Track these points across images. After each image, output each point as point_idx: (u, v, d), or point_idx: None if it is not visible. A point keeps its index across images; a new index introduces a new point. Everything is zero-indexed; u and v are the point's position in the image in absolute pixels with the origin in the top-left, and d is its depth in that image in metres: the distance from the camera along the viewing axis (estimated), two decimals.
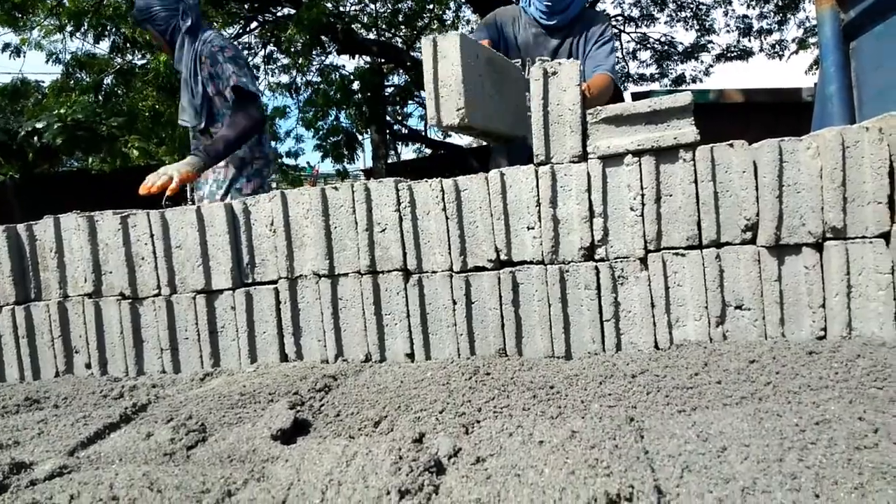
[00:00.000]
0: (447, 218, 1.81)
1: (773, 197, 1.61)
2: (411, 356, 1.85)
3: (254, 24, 11.80)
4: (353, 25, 11.03)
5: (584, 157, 1.71)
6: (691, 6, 12.97)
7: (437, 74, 1.84)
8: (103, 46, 10.06)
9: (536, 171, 1.74)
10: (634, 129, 1.69)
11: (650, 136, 1.66)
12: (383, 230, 1.86)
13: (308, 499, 0.83)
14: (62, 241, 2.07)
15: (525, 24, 2.72)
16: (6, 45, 10.18)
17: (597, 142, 1.70)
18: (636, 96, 11.13)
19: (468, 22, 14.75)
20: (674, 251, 1.68)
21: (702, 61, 13.71)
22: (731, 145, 1.65)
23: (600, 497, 0.74)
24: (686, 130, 1.65)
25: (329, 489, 0.84)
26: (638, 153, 1.67)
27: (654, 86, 14.08)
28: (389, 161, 13.46)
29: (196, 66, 2.77)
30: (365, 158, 20.55)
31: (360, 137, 14.13)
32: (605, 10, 2.94)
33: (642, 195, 1.68)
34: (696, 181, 1.66)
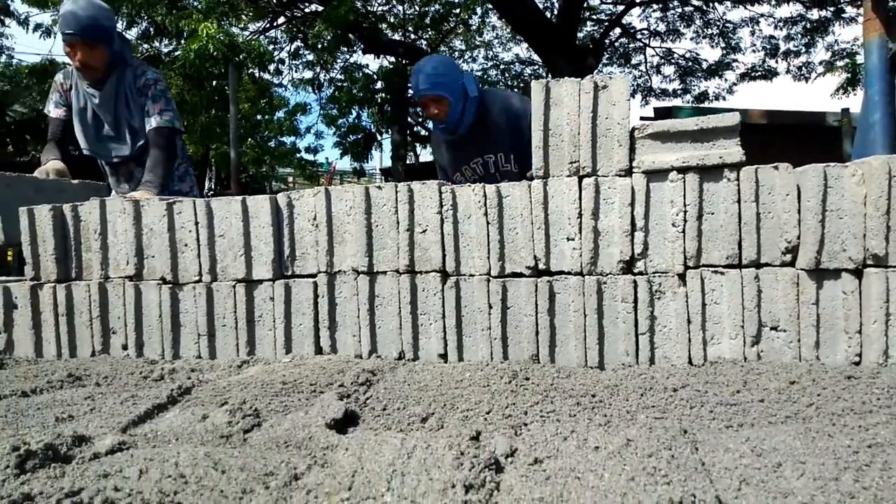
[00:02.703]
0: (488, 223, 1.84)
1: (816, 221, 1.63)
2: (444, 357, 1.88)
3: (281, 20, 11.91)
4: (380, 25, 11.11)
5: (629, 171, 1.74)
6: (718, 24, 12.98)
7: (547, 122, 1.79)
8: (131, 32, 10.18)
9: (580, 183, 1.77)
10: (680, 145, 1.71)
11: (696, 154, 1.69)
12: (424, 231, 1.89)
13: (374, 487, 0.86)
14: (107, 224, 2.12)
15: (443, 145, 2.92)
16: (38, 26, 10.32)
17: (642, 156, 1.73)
18: (658, 112, 11.13)
19: (493, 28, 14.82)
20: (713, 269, 1.70)
21: (726, 79, 13.70)
22: (776, 167, 1.68)
23: None
24: (732, 150, 1.67)
25: (394, 479, 0.87)
26: (683, 170, 1.70)
27: (677, 101, 14.08)
28: (407, 162, 13.53)
29: (129, 95, 2.74)
30: (382, 158, 20.66)
31: (379, 137, 14.24)
32: (503, 95, 2.91)
33: (685, 212, 1.70)
34: (739, 201, 1.68)
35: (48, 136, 2.93)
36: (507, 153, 2.74)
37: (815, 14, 11.68)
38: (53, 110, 2.91)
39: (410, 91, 3.32)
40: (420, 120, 13.49)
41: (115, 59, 2.71)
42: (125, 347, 2.10)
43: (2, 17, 11.15)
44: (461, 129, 2.72)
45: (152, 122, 2.71)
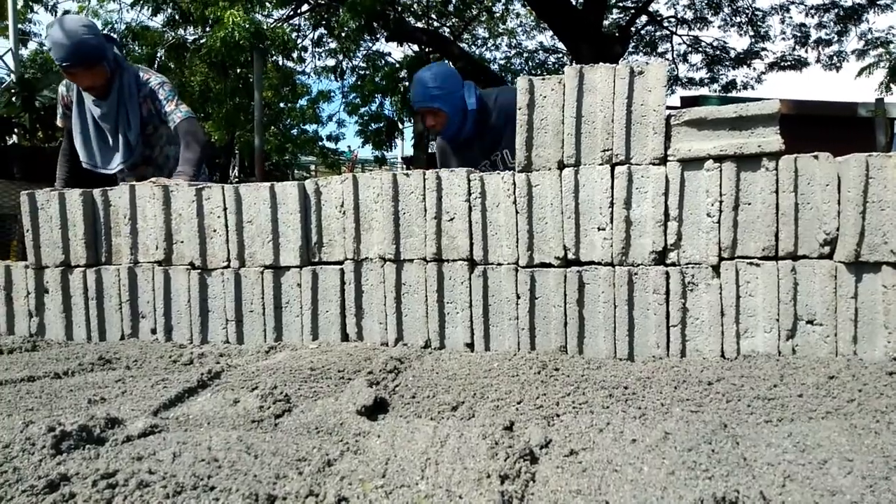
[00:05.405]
0: (517, 212, 1.82)
1: (856, 213, 1.58)
2: (471, 346, 1.87)
3: (305, 7, 11.89)
4: (403, 14, 11.06)
5: (663, 159, 1.70)
6: (747, 11, 12.69)
7: (579, 108, 1.77)
8: (157, 19, 10.27)
9: (612, 172, 1.73)
10: (717, 133, 1.67)
11: (733, 143, 1.65)
12: (451, 219, 1.87)
13: (408, 475, 0.85)
14: (136, 209, 2.13)
15: (448, 150, 2.83)
16: (66, 12, 10.43)
17: (678, 144, 1.69)
18: (685, 101, 10.95)
19: (518, 16, 14.67)
20: (748, 260, 1.66)
21: (754, 68, 13.42)
22: (816, 157, 1.63)
23: (707, 499, 0.74)
24: (771, 139, 1.63)
25: (428, 467, 0.86)
26: (719, 158, 1.66)
27: (704, 90, 13.84)
28: (430, 151, 13.49)
29: (129, 102, 2.70)
30: (403, 147, 20.65)
31: (400, 126, 14.22)
32: (500, 91, 2.80)
33: (720, 201, 1.67)
34: (777, 191, 1.64)
35: (61, 148, 2.99)
36: (512, 148, 2.72)
37: (848, 1, 11.38)
38: (61, 121, 2.95)
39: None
40: None
41: (113, 69, 2.68)
42: (154, 331, 2.12)
43: (30, 4, 11.30)
44: (462, 136, 2.70)
45: (176, 118, 2.69)
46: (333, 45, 12.68)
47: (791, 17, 12.65)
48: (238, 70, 10.65)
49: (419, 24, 11.94)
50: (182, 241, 2.08)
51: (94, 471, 0.92)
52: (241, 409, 1.21)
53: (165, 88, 2.76)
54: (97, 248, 2.20)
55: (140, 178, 2.87)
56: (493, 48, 15.86)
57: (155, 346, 2.03)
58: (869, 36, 11.78)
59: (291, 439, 1.03)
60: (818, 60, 12.68)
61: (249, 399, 1.24)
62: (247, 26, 8.10)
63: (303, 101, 16.09)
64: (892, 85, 10.95)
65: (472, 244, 1.86)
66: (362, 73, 12.72)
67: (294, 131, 17.44)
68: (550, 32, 12.51)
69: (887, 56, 11.25)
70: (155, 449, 0.99)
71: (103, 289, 2.17)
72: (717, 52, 13.47)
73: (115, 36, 2.81)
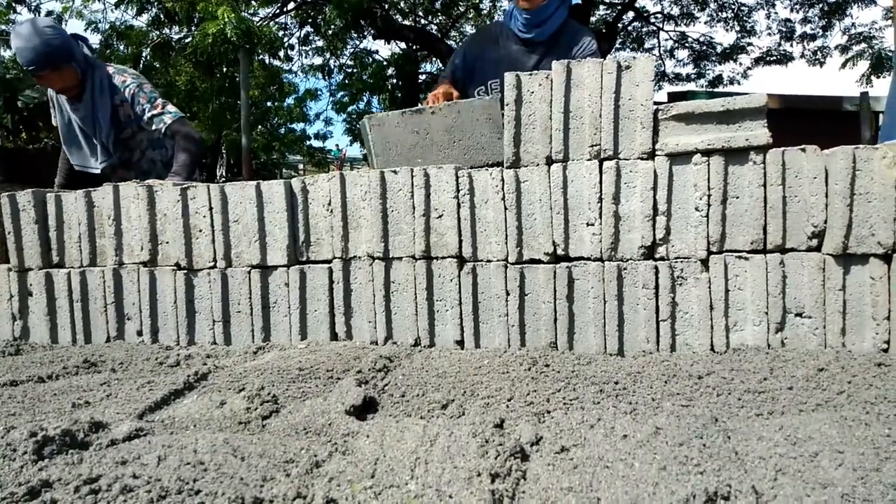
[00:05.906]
0: (506, 208, 1.81)
1: (844, 205, 1.59)
2: (461, 343, 1.86)
3: (291, 5, 11.80)
4: (390, 11, 11.01)
5: (651, 154, 1.70)
6: (733, 7, 12.75)
7: (567, 103, 1.75)
8: (142, 19, 10.16)
9: (601, 167, 1.73)
10: (705, 127, 1.67)
11: (721, 136, 1.64)
12: (440, 216, 1.86)
13: (397, 475, 0.84)
14: (120, 209, 2.10)
15: (506, 39, 2.67)
16: (49, 13, 10.31)
17: (665, 139, 1.69)
18: (672, 96, 11.00)
19: (504, 12, 14.65)
20: (737, 254, 1.66)
21: (740, 63, 13.48)
22: (804, 150, 1.63)
23: (699, 494, 0.74)
24: (758, 132, 1.63)
25: (417, 467, 0.85)
26: (707, 153, 1.65)
27: (691, 86, 13.89)
28: None
29: (101, 103, 2.64)
30: None
31: None
32: (584, 26, 2.71)
33: (709, 195, 1.66)
34: (764, 184, 1.64)
35: (62, 150, 2.96)
36: None
37: None
38: (55, 121, 2.90)
39: None
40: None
41: (84, 68, 2.62)
42: (140, 333, 2.10)
43: (13, 4, 11.15)
44: (541, 31, 2.52)
45: (167, 119, 2.63)
46: (320, 43, 12.62)
47: (776, 13, 12.70)
48: (224, 69, 10.57)
49: (406, 22, 11.89)
50: (167, 242, 2.05)
51: (76, 476, 0.90)
52: (227, 410, 1.19)
53: (145, 90, 2.68)
54: (81, 250, 2.17)
55: (121, 181, 2.84)
56: None
57: (141, 348, 2.00)
58: (852, 31, 11.85)
59: (279, 441, 1.02)
60: (803, 55, 12.76)
61: (236, 400, 1.22)
62: (236, 23, 8.02)
63: (290, 100, 16.00)
64: (872, 77, 11.01)
65: (460, 241, 1.85)
66: (349, 70, 12.66)
67: (281, 130, 17.35)
68: None
69: (870, 50, 11.31)
70: (140, 453, 0.97)
71: (88, 291, 2.14)
72: (704, 48, 13.51)
73: (85, 35, 2.73)
